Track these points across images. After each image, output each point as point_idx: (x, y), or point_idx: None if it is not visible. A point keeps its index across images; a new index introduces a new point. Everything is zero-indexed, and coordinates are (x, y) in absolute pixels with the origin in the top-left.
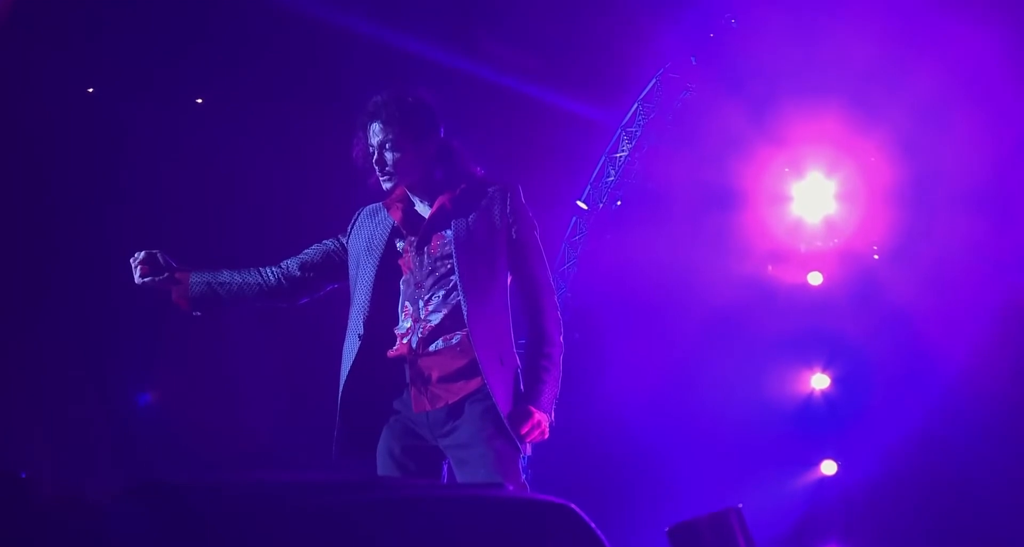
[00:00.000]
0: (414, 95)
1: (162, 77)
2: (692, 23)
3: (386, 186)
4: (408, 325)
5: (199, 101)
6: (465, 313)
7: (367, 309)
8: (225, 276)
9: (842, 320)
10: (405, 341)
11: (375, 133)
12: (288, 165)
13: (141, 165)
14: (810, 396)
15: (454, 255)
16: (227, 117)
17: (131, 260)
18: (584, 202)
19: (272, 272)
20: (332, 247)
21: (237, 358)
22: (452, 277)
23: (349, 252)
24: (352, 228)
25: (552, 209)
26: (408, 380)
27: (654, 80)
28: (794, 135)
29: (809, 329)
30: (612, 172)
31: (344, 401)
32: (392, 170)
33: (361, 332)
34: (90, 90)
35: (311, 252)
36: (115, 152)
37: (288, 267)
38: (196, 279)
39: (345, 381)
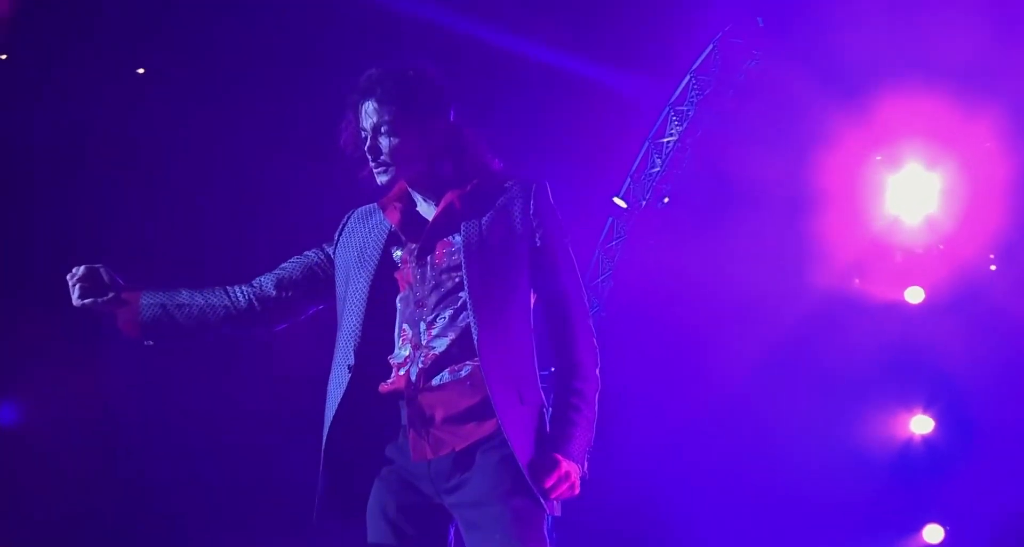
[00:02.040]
0: (417, 69)
1: (114, 46)
2: None
3: (381, 180)
4: (406, 353)
5: (140, 71)
6: (476, 338)
7: (359, 334)
8: (184, 297)
9: (949, 348)
10: (402, 372)
11: (368, 114)
12: (270, 150)
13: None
14: (908, 443)
15: (463, 266)
16: (197, 92)
17: (68, 277)
18: (622, 199)
19: (242, 292)
20: (315, 260)
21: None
22: (461, 294)
23: (336, 265)
24: (340, 236)
25: (583, 208)
26: (405, 421)
27: (711, 46)
28: (887, 116)
29: (907, 359)
30: (657, 161)
31: (329, 448)
32: (388, 159)
33: (351, 363)
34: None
35: (289, 267)
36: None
37: (262, 286)
38: (147, 301)
39: (331, 423)
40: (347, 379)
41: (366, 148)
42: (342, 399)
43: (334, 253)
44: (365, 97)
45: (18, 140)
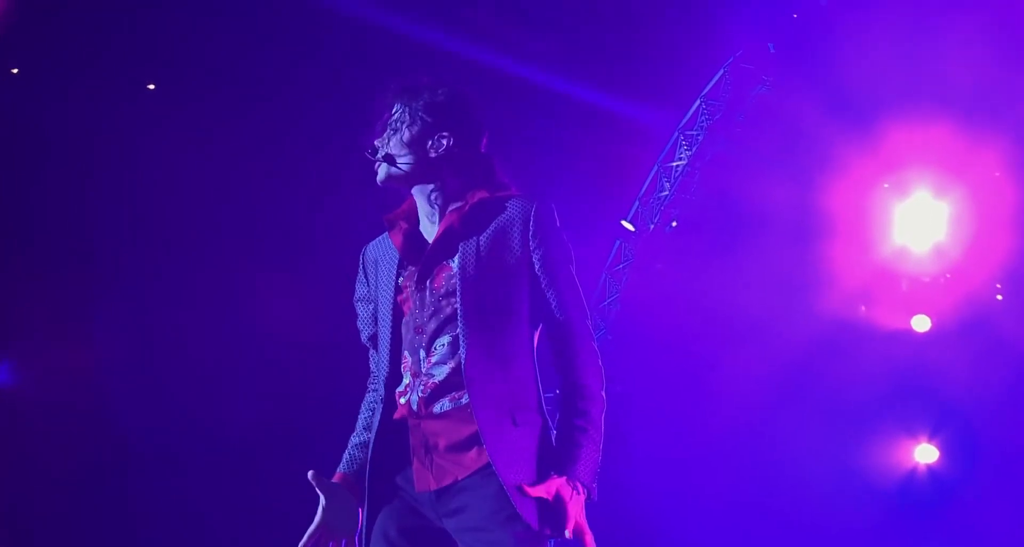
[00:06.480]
0: (453, 88)
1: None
2: (770, 1)
3: (379, 176)
4: (407, 381)
5: (151, 87)
6: (463, 367)
7: (388, 366)
8: (360, 447)
9: (955, 377)
10: (403, 401)
11: (392, 113)
12: (273, 159)
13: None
14: (913, 472)
15: (459, 292)
16: (204, 104)
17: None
18: (630, 222)
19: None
20: (374, 331)
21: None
22: (459, 320)
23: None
24: (366, 276)
25: (590, 231)
26: (410, 449)
27: (721, 72)
28: (896, 144)
29: (912, 388)
30: (666, 185)
31: (372, 483)
32: (393, 154)
33: (381, 394)
34: (14, 70)
35: (375, 358)
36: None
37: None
38: (358, 478)
39: (371, 458)
40: (380, 411)
41: (375, 140)
42: (377, 433)
43: (372, 295)
44: (396, 98)
45: (28, 141)
